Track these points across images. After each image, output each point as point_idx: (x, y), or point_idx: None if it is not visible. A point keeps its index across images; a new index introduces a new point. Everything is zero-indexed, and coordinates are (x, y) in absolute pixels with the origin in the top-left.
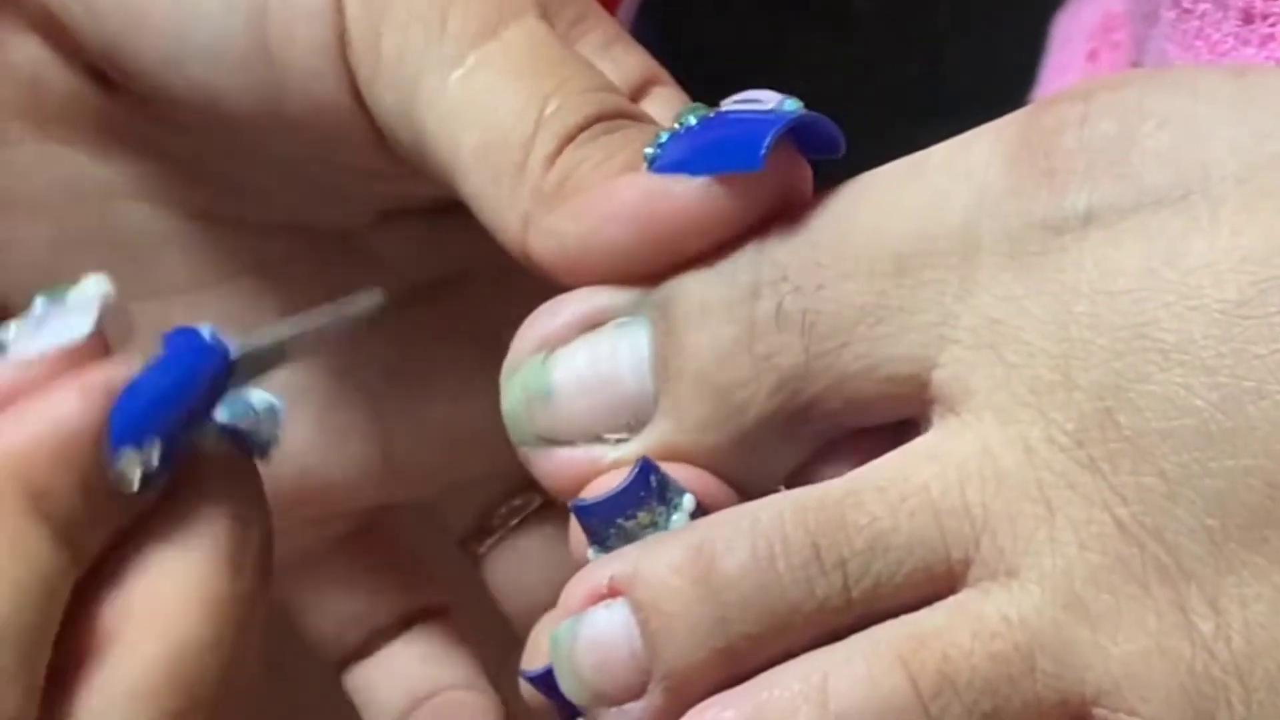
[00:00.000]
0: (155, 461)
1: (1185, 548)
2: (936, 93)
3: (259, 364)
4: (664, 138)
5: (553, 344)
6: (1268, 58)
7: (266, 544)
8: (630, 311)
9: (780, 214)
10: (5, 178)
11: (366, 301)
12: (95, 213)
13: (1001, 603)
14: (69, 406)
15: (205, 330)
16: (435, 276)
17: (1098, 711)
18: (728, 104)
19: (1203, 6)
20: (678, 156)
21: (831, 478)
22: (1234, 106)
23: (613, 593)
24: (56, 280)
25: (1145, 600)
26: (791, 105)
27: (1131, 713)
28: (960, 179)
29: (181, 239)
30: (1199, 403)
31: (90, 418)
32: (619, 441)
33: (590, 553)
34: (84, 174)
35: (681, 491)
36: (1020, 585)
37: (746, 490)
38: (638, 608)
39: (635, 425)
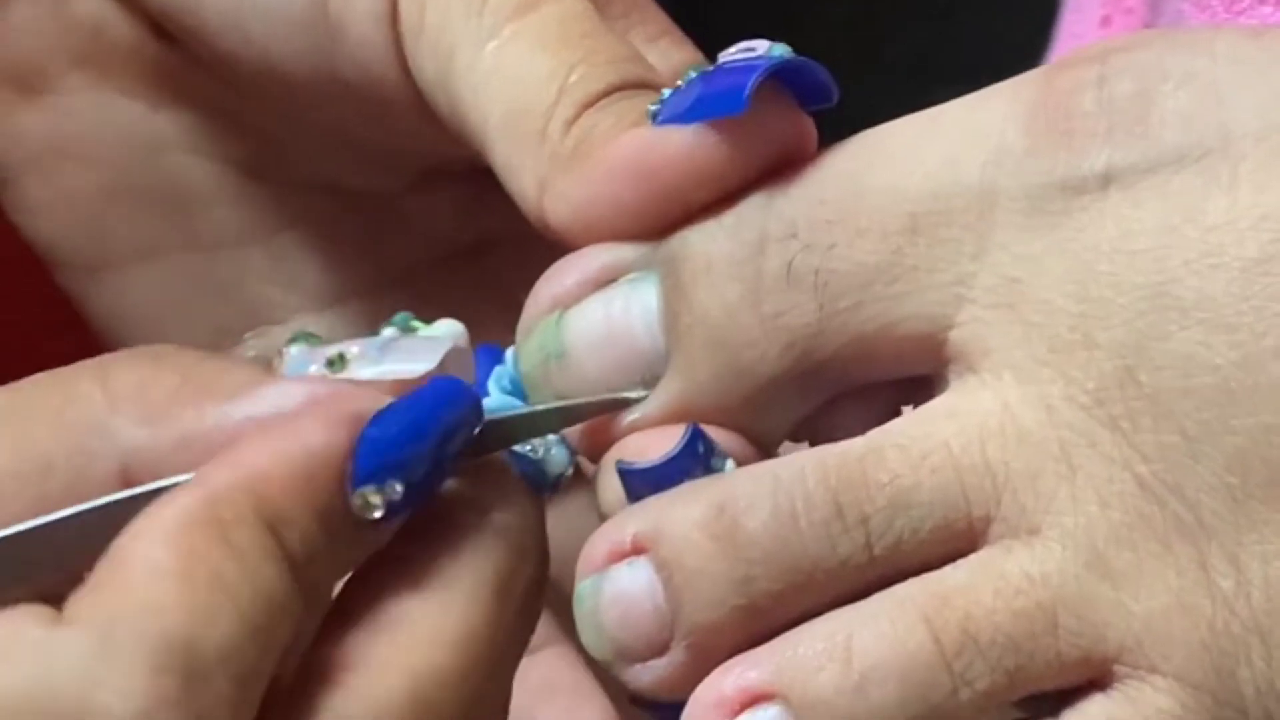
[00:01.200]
0: (396, 497)
1: (1206, 505)
2: (949, 57)
3: (516, 430)
4: (666, 94)
5: (565, 303)
6: None
7: (538, 582)
8: (640, 266)
9: (784, 167)
10: (62, 125)
11: (630, 396)
12: (148, 163)
13: (1024, 560)
14: (314, 435)
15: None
16: (467, 241)
17: (1119, 668)
18: (725, 56)
19: None
20: (675, 111)
21: (844, 425)
22: (1253, 66)
23: (635, 550)
24: (107, 229)
25: (1166, 557)
26: (779, 50)
27: (1153, 669)
28: (976, 138)
29: (229, 193)
30: (1219, 360)
31: (334, 448)
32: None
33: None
34: (140, 124)
35: (725, 457)
36: (1042, 543)
37: (761, 440)
38: (661, 565)
39: (650, 381)
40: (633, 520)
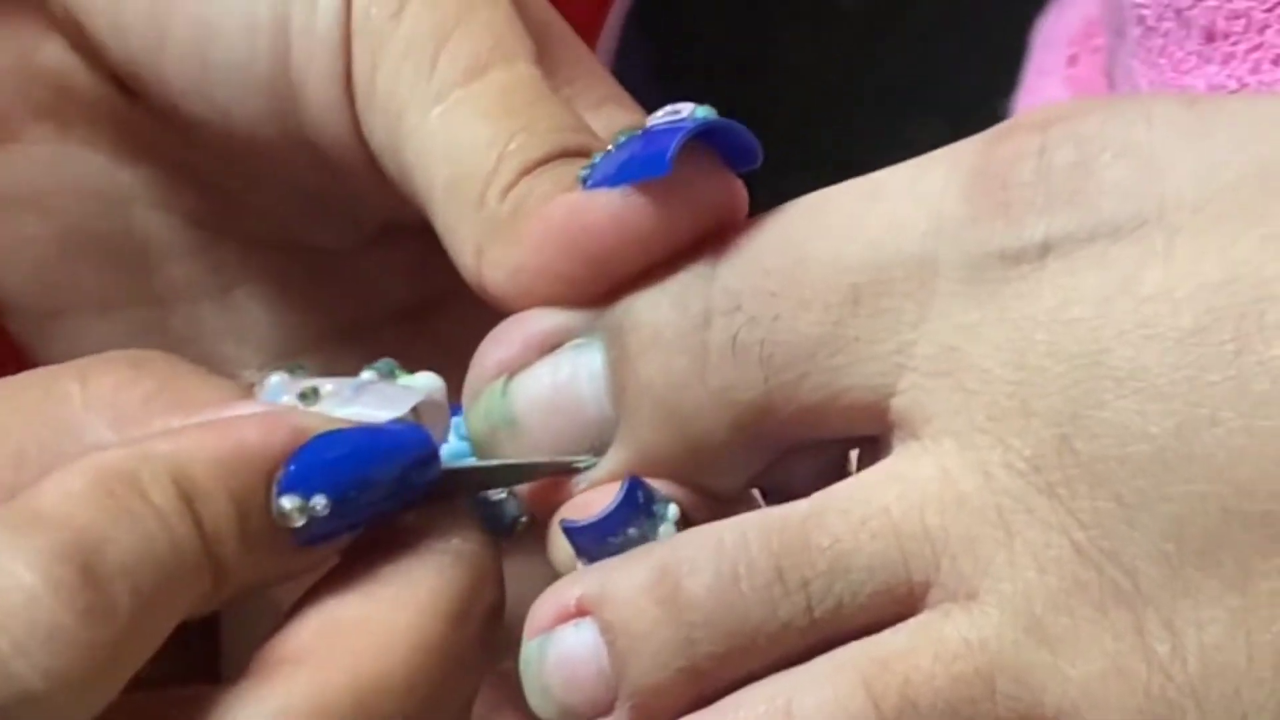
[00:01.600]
0: (318, 513)
1: (1142, 571)
2: (925, 89)
3: (471, 481)
4: (597, 158)
5: (510, 368)
6: (1229, 76)
7: (496, 612)
8: (584, 332)
9: (720, 231)
10: (22, 175)
11: (580, 463)
12: (107, 216)
13: (962, 625)
14: (249, 432)
15: (428, 427)
16: (419, 298)
17: None
18: (653, 119)
19: (1166, 25)
20: (604, 174)
21: (795, 474)
22: (1188, 135)
23: (581, 612)
24: (61, 280)
25: (1103, 623)
26: (702, 113)
27: None
28: (917, 206)
29: (186, 248)
30: (1154, 429)
31: (265, 448)
32: (586, 466)
33: (579, 564)
34: (100, 177)
35: (666, 501)
36: (980, 608)
37: (715, 495)
38: (605, 628)
39: (600, 448)
40: (578, 583)
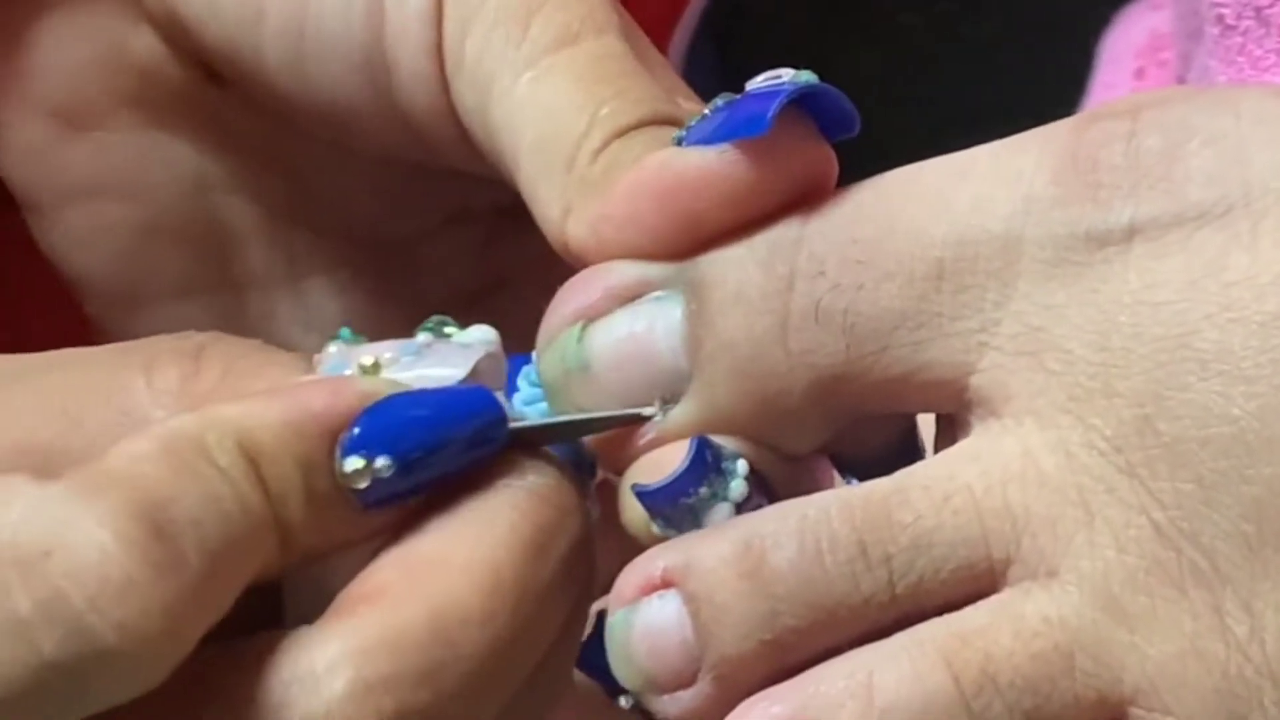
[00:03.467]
0: (384, 474)
1: (1221, 552)
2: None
3: (548, 435)
4: (692, 122)
5: (589, 315)
6: None
7: (577, 559)
8: (666, 285)
9: (808, 196)
10: (107, 161)
11: (651, 412)
12: (190, 203)
13: (1042, 603)
14: (315, 398)
15: (498, 391)
16: (483, 283)
17: (1134, 711)
18: (752, 84)
19: (1245, 23)
20: (700, 135)
21: (863, 439)
22: (1274, 125)
23: (665, 583)
24: (143, 265)
25: (1181, 603)
26: (805, 77)
27: (1167, 712)
28: (1006, 185)
29: (263, 236)
30: (1236, 412)
31: (330, 411)
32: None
33: (655, 526)
34: (184, 165)
35: (735, 456)
36: (1060, 586)
37: (784, 455)
38: (690, 599)
39: (671, 398)
40: (663, 554)
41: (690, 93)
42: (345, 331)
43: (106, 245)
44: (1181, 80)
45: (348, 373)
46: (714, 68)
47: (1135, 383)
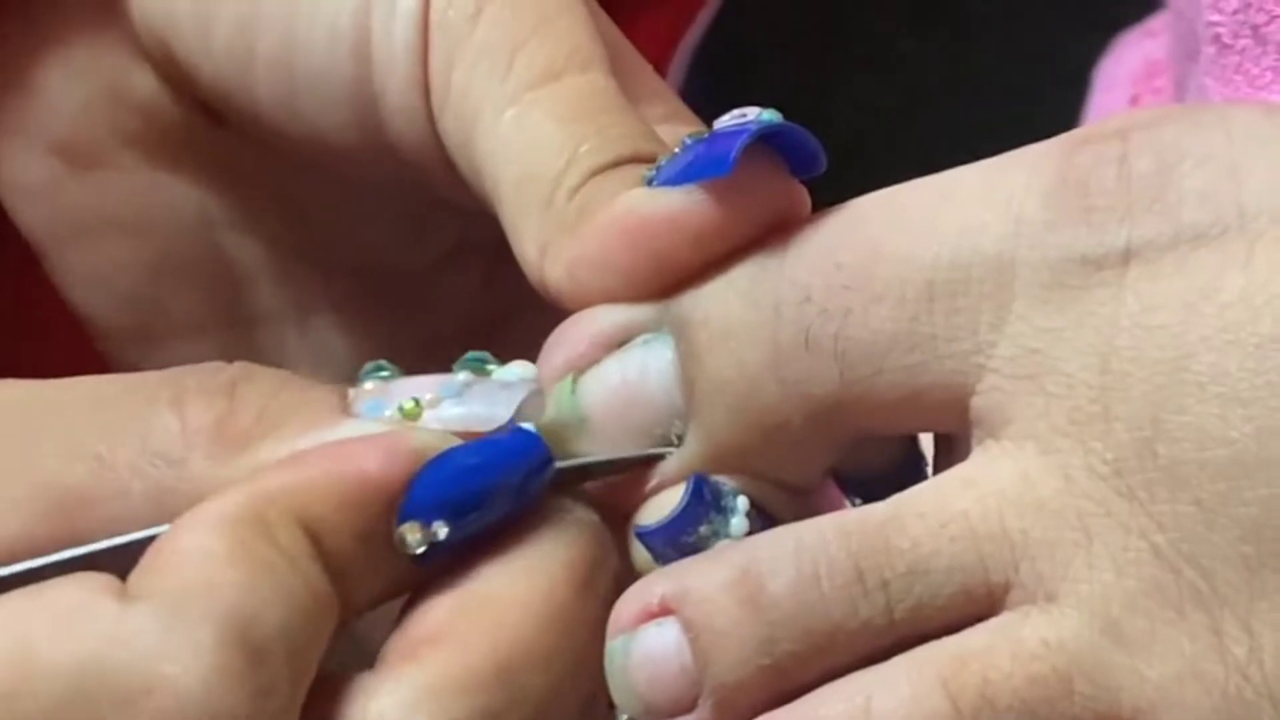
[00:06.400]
0: (438, 538)
1: (1220, 573)
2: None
3: (580, 475)
4: (662, 160)
5: (578, 366)
6: None
7: (617, 590)
8: (652, 327)
9: (778, 231)
10: (113, 201)
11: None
12: (195, 241)
13: (1040, 626)
14: (371, 460)
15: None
16: (488, 314)
17: None
18: (719, 123)
19: (1242, 42)
20: (668, 175)
21: (864, 459)
22: (1267, 143)
23: (663, 611)
24: (152, 303)
25: (1180, 624)
26: (768, 116)
27: None
28: (994, 208)
29: (270, 273)
30: (1234, 434)
31: (386, 477)
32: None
33: (657, 568)
34: (188, 203)
35: (735, 494)
36: (1059, 609)
37: (788, 488)
38: (688, 626)
39: (677, 441)
40: (660, 582)
41: (691, 116)
42: (383, 366)
43: (114, 284)
44: (1176, 104)
45: (387, 413)
46: (709, 98)
47: (1134, 406)
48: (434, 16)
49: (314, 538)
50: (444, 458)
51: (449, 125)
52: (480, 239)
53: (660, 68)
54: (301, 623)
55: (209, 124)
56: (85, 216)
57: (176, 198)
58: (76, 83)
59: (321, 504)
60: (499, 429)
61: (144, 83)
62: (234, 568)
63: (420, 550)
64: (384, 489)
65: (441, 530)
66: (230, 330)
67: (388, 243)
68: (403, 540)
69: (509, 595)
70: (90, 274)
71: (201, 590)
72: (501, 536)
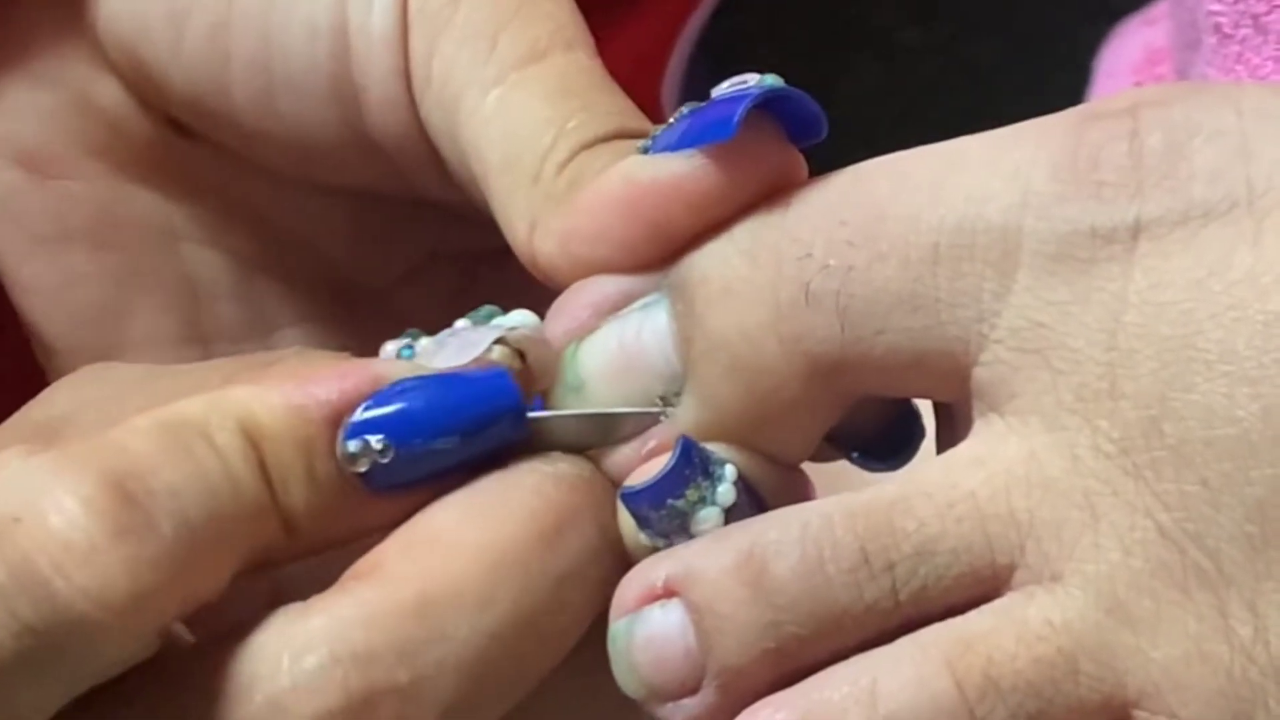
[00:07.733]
0: (381, 458)
1: (1225, 553)
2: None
3: (570, 431)
4: (657, 131)
5: (578, 335)
6: None
7: (599, 550)
8: (650, 291)
9: (784, 189)
10: (75, 212)
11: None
12: (158, 254)
13: (1045, 606)
14: (321, 383)
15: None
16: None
17: (1138, 714)
18: (718, 90)
19: (1243, 31)
20: (665, 142)
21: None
22: (1278, 122)
23: (668, 592)
24: (113, 318)
25: (1186, 604)
26: (770, 81)
27: (1171, 715)
28: (1002, 178)
29: (233, 288)
30: (1240, 413)
31: (335, 394)
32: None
33: (642, 536)
34: (152, 215)
35: (723, 462)
36: (1064, 590)
37: (781, 457)
38: (692, 608)
39: (670, 400)
40: (664, 563)
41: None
42: (410, 332)
43: (76, 296)
44: None
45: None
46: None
47: (1142, 384)
48: (413, 4)
49: (253, 442)
50: (397, 383)
51: (432, 113)
52: (449, 251)
53: (661, 58)
54: (204, 495)
55: (175, 136)
56: (45, 227)
57: (139, 210)
58: (40, 93)
59: (266, 413)
60: (469, 366)
61: (109, 94)
62: (148, 441)
63: (363, 469)
64: (331, 405)
65: (382, 450)
66: (191, 346)
67: (355, 257)
68: (344, 455)
69: (452, 534)
70: (49, 286)
71: (106, 450)
72: (477, 478)
